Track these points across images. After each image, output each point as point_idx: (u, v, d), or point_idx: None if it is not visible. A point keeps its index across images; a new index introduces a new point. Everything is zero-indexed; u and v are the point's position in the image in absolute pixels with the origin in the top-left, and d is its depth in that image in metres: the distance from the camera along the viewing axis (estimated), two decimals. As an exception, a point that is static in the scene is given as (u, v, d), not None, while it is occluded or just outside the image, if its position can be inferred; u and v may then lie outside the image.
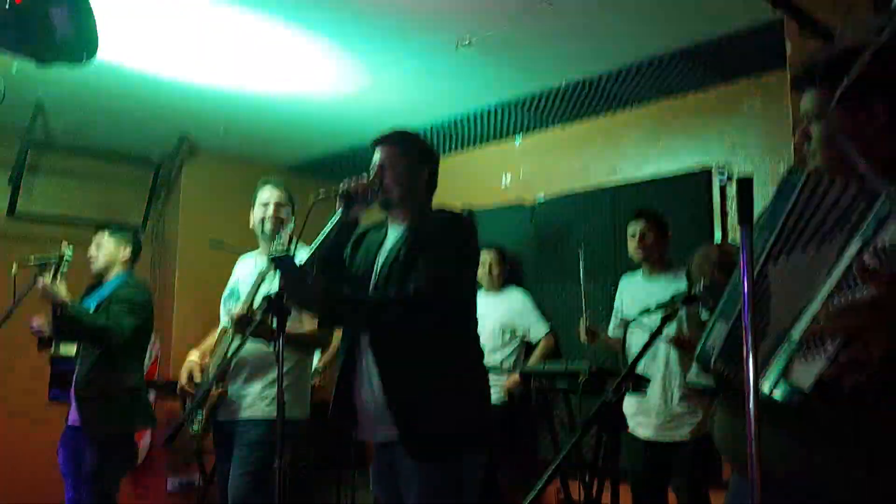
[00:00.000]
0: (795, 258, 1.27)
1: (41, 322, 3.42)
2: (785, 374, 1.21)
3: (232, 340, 2.88)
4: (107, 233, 3.61)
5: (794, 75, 1.44)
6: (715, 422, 1.49)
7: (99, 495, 3.31)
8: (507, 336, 4.35)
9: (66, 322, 3.26)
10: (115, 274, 3.58)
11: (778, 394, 1.22)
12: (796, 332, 1.21)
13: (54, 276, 3.26)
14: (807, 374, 1.16)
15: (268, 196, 3.08)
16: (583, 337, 3.67)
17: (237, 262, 3.30)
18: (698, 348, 1.42)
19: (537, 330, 4.40)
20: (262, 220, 3.06)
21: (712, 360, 1.39)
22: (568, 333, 4.48)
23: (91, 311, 3.42)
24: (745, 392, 1.06)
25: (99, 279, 3.63)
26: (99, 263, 3.58)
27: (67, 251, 3.36)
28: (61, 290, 3.24)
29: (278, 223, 3.05)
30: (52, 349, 3.54)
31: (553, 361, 4.13)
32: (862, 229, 1.18)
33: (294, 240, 2.85)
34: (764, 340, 1.26)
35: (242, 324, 2.71)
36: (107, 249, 3.57)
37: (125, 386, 3.41)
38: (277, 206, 3.07)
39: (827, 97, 1.28)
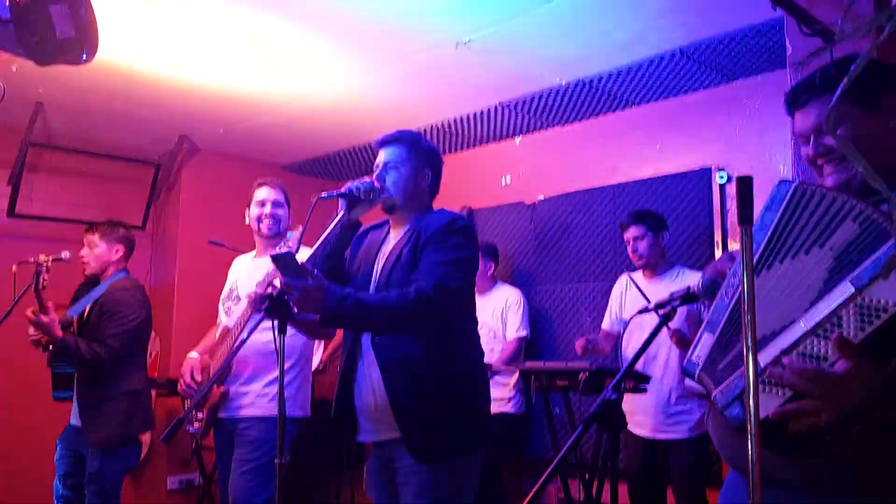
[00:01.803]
0: (774, 271, 1.29)
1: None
2: (742, 397, 1.26)
3: (247, 322, 2.81)
4: (97, 234, 3.56)
5: (794, 91, 1.45)
6: (709, 421, 1.49)
7: (101, 495, 3.30)
8: (498, 334, 4.29)
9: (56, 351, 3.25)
10: (109, 274, 3.56)
11: (728, 414, 1.29)
12: (763, 358, 1.23)
13: (36, 289, 3.18)
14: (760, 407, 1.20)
15: (264, 196, 3.09)
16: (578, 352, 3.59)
17: (234, 263, 3.31)
18: (685, 360, 1.43)
19: (510, 330, 4.24)
20: (259, 219, 3.07)
21: (696, 373, 1.40)
22: (567, 332, 4.48)
23: (83, 315, 3.41)
24: (745, 392, 1.06)
25: (92, 280, 3.62)
26: (92, 266, 3.55)
27: (44, 258, 3.20)
28: (50, 322, 3.15)
29: (275, 223, 3.06)
30: (51, 359, 3.50)
31: (553, 361, 4.12)
32: (858, 270, 1.18)
33: (298, 240, 2.84)
34: (736, 346, 1.30)
35: (259, 302, 2.66)
36: (98, 251, 3.54)
37: (126, 390, 3.40)
38: (274, 205, 3.08)
39: (841, 104, 1.28)
